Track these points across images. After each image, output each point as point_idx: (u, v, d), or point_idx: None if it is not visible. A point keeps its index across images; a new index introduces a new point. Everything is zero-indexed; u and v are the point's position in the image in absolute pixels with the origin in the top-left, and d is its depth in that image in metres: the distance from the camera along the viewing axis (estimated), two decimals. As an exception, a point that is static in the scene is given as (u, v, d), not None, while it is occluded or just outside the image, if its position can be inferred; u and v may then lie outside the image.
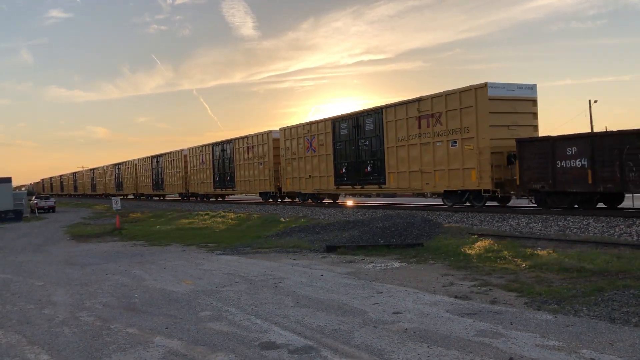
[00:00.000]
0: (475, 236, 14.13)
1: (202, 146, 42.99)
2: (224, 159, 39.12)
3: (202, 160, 42.68)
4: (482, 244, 12.69)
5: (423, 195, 27.79)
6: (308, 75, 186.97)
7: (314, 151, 28.05)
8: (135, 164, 60.39)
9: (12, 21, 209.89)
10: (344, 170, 25.78)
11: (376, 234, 14.91)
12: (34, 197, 52.06)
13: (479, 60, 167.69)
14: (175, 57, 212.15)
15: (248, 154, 35.29)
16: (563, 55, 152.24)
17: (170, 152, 50.15)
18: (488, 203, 19.23)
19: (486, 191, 18.16)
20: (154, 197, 58.12)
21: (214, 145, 40.64)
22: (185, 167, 46.42)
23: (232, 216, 27.49)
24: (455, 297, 8.03)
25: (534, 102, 19.30)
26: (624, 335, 5.85)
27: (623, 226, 13.51)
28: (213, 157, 40.75)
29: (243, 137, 36.16)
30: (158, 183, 53.44)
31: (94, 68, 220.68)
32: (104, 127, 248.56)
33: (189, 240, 18.47)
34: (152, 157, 54.75)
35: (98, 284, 10.69)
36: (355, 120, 24.97)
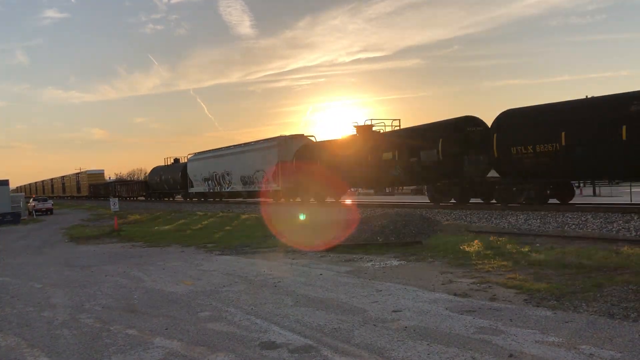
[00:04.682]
0: (474, 233, 14.15)
1: (71, 174, 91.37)
2: (78, 182, 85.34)
3: (74, 181, 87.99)
4: (480, 241, 12.71)
5: None
6: (305, 74, 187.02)
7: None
8: (70, 177, 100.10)
9: (7, 22, 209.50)
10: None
11: (375, 232, 14.91)
12: (31, 199, 52.03)
13: (478, 57, 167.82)
14: (172, 57, 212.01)
15: (79, 183, 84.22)
16: (562, 51, 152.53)
17: (68, 174, 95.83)
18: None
19: None
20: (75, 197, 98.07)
21: (76, 174, 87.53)
22: (70, 184, 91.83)
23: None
24: (455, 294, 8.04)
25: (102, 174, 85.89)
26: (623, 330, 5.86)
27: (621, 222, 13.54)
28: (76, 180, 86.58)
29: (82, 172, 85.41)
30: (65, 190, 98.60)
31: (90, 69, 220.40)
32: (101, 128, 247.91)
33: (188, 240, 18.46)
34: (61, 177, 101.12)
35: (97, 286, 10.67)
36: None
